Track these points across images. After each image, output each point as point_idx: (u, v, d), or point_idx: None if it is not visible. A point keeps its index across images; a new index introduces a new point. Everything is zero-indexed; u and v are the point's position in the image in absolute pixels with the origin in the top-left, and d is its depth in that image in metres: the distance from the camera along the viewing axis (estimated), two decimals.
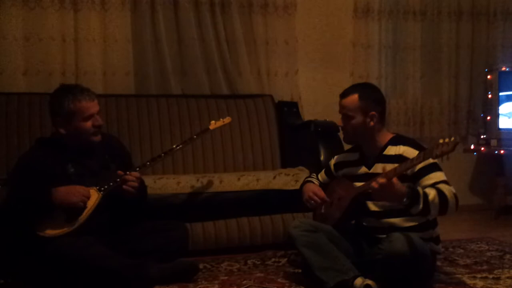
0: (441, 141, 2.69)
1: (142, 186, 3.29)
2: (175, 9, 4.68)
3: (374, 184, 2.80)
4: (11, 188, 3.09)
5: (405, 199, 2.80)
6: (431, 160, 2.90)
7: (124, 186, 3.14)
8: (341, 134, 4.25)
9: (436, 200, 2.82)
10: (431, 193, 2.83)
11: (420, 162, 2.83)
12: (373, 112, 3.10)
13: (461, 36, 5.40)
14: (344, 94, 3.15)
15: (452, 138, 2.67)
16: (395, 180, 2.78)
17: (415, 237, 2.92)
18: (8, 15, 4.36)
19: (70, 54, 4.48)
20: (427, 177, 2.94)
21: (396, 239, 2.88)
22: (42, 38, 4.43)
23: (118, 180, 3.15)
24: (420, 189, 2.84)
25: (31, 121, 4.12)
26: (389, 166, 2.91)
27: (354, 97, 3.10)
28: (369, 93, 3.16)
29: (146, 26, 4.61)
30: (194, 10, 4.71)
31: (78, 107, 3.10)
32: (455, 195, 2.88)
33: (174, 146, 3.58)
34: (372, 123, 3.10)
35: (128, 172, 3.18)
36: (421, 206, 2.81)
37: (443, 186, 2.89)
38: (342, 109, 3.14)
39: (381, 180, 2.77)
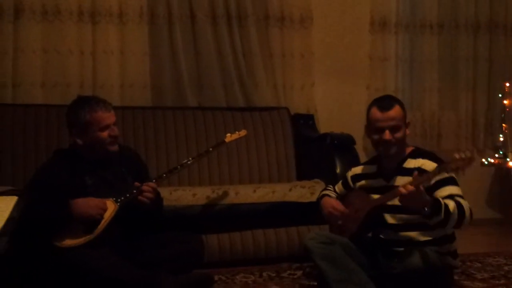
0: (456, 156, 2.68)
1: (158, 197, 3.30)
2: (192, 22, 4.71)
3: (402, 190, 2.75)
4: (29, 200, 3.10)
5: (426, 208, 2.77)
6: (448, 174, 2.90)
7: (139, 197, 3.15)
8: (358, 148, 4.28)
9: (455, 212, 2.80)
10: (451, 204, 2.81)
11: (434, 176, 2.82)
12: (409, 121, 3.14)
13: (478, 49, 5.38)
14: (387, 107, 3.06)
15: (468, 154, 2.66)
16: (421, 187, 2.75)
17: (431, 252, 2.91)
18: (27, 28, 4.41)
19: (88, 66, 4.53)
20: (442, 189, 2.92)
21: (413, 254, 2.87)
22: (60, 51, 4.48)
23: (135, 191, 3.16)
24: (441, 200, 2.82)
25: (49, 133, 4.16)
26: (409, 180, 2.90)
27: (398, 107, 3.08)
28: (402, 102, 3.16)
29: (163, 39, 4.65)
30: (211, 23, 4.73)
31: (94, 118, 3.11)
32: (470, 210, 2.86)
33: (190, 159, 3.58)
34: (408, 132, 3.13)
35: (144, 183, 3.19)
36: (442, 216, 2.78)
37: (461, 200, 2.87)
38: (391, 120, 3.05)
39: (410, 186, 2.73)
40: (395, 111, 3.06)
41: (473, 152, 2.70)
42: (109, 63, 4.56)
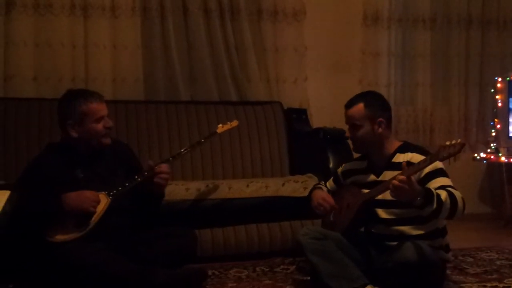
0: (447, 143, 2.69)
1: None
2: (184, 15, 4.70)
3: (394, 182, 2.75)
4: (20, 194, 3.09)
5: (419, 198, 2.76)
6: (438, 165, 2.93)
7: (155, 179, 3.19)
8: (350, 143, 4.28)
9: (448, 201, 2.79)
10: (443, 194, 2.80)
11: (427, 166, 2.82)
12: (381, 119, 3.11)
13: (470, 44, 5.40)
14: (349, 105, 3.16)
15: (459, 140, 2.67)
16: (413, 178, 2.76)
17: (425, 245, 2.91)
18: (19, 21, 4.39)
19: (80, 60, 4.51)
20: (434, 181, 2.93)
21: (406, 248, 2.88)
22: (52, 44, 4.46)
23: (146, 173, 3.19)
24: (433, 190, 2.81)
25: (41, 127, 4.14)
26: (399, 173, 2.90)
27: (360, 106, 3.11)
28: (374, 100, 3.17)
29: (155, 32, 4.63)
30: (203, 17, 4.72)
31: (90, 109, 3.11)
32: (462, 200, 2.86)
33: (182, 150, 3.58)
34: (380, 130, 3.11)
35: (156, 166, 3.23)
36: (434, 206, 2.77)
37: (453, 190, 2.87)
38: (349, 119, 3.15)
39: (401, 177, 2.73)
40: (355, 110, 3.12)
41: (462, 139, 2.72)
42: (101, 57, 4.54)
